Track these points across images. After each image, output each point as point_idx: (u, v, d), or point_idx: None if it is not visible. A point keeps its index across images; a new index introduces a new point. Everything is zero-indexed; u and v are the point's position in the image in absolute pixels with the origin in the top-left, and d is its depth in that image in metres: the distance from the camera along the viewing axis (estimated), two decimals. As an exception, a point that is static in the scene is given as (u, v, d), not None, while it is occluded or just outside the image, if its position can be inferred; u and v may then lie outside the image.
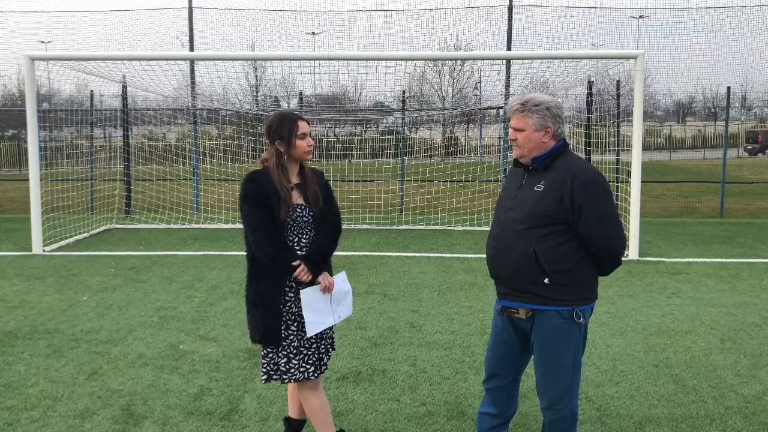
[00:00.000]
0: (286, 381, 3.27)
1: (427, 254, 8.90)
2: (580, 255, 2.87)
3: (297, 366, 3.24)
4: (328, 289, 3.23)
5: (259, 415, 3.96)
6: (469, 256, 8.75)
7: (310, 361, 3.26)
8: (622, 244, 2.89)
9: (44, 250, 9.17)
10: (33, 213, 9.27)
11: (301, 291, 3.18)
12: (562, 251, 2.84)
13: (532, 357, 3.11)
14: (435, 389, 4.36)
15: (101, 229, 11.21)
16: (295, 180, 3.28)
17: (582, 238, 2.84)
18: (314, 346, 3.28)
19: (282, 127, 3.22)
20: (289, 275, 3.17)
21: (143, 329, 5.62)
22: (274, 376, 3.28)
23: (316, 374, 3.27)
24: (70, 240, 10.03)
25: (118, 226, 11.62)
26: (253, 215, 3.14)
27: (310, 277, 3.16)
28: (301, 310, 3.19)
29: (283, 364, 3.25)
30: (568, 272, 2.86)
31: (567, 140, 3.03)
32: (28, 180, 9.45)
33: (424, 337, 5.41)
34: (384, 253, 9.03)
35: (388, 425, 3.85)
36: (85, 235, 10.56)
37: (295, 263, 3.13)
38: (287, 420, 3.62)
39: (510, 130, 2.97)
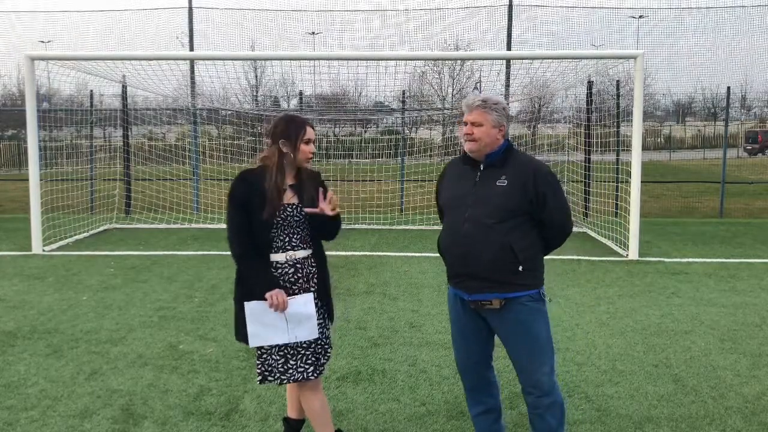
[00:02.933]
0: (285, 381, 3.26)
1: (427, 254, 8.89)
2: (539, 239, 3.11)
3: (295, 366, 3.23)
4: (277, 308, 3.13)
5: (259, 415, 3.96)
6: (469, 256, 8.74)
7: (309, 362, 3.25)
8: (572, 226, 3.23)
9: (44, 250, 9.17)
10: (33, 213, 9.27)
11: (245, 303, 3.17)
12: (531, 239, 3.06)
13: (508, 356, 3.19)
14: (435, 389, 4.36)
15: (101, 228, 11.21)
16: (290, 182, 3.25)
17: (544, 223, 3.07)
18: (312, 346, 3.27)
19: (289, 128, 3.20)
20: (254, 279, 3.15)
21: (143, 329, 5.62)
22: (269, 377, 3.26)
23: (315, 374, 3.26)
24: (70, 240, 10.03)
25: (118, 226, 11.62)
26: (230, 214, 3.18)
27: (283, 305, 3.12)
28: (294, 311, 3.18)
29: (280, 365, 3.23)
30: (534, 258, 3.08)
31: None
32: (28, 180, 9.45)
33: (424, 337, 5.41)
34: (384, 253, 9.03)
35: (388, 425, 3.85)
36: (85, 234, 10.56)
37: (267, 295, 3.11)
38: (286, 420, 3.62)
39: (466, 125, 3.07)
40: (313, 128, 3.27)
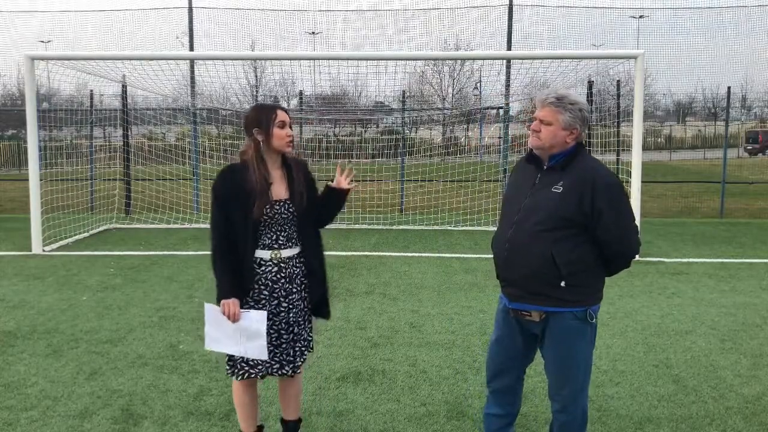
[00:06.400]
0: (255, 375, 3.23)
1: (427, 254, 8.89)
2: (594, 256, 2.84)
3: (280, 361, 3.22)
4: (228, 316, 3.10)
5: (259, 415, 3.95)
6: (469, 256, 8.74)
7: (288, 358, 3.24)
8: (637, 248, 2.88)
9: (44, 250, 9.17)
10: (33, 213, 9.27)
11: (206, 303, 3.20)
12: (579, 253, 2.80)
13: (535, 358, 3.10)
14: (435, 389, 4.35)
15: (101, 228, 11.21)
16: (277, 173, 3.20)
17: (599, 241, 2.81)
18: (292, 342, 3.25)
19: (260, 115, 3.15)
20: (218, 281, 3.14)
21: (143, 329, 5.61)
22: (251, 372, 3.23)
23: (294, 371, 3.26)
24: (70, 240, 10.02)
25: (118, 225, 11.62)
26: (211, 211, 3.15)
27: (234, 316, 3.09)
28: (275, 309, 3.18)
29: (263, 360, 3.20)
30: (583, 274, 2.83)
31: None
32: (27, 180, 9.45)
33: (424, 337, 5.40)
34: (384, 253, 9.02)
35: (388, 425, 3.84)
36: (85, 234, 10.56)
37: (222, 302, 3.09)
38: (283, 422, 3.56)
39: (535, 121, 2.87)
40: (285, 111, 3.20)
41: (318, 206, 3.34)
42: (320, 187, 3.43)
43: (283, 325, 3.23)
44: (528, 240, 2.82)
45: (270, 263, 3.18)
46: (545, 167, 2.89)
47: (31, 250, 9.14)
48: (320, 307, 3.39)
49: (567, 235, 2.78)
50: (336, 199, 3.37)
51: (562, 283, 2.78)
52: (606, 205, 2.75)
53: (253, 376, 3.23)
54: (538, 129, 2.85)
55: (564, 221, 2.77)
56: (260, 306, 3.17)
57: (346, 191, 3.35)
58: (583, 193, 2.75)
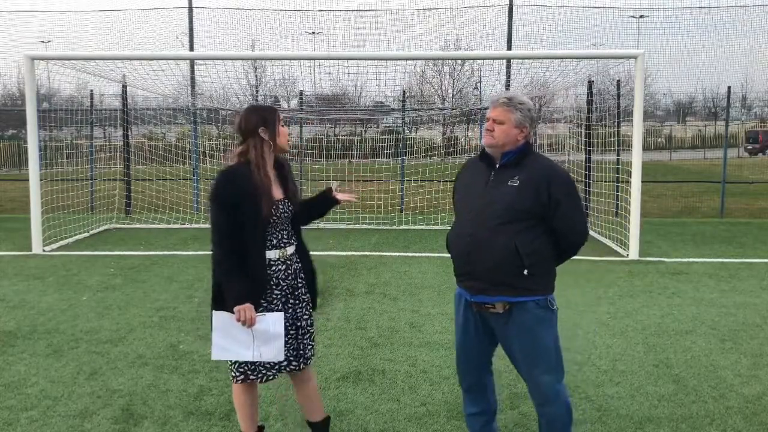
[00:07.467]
0: (270, 378, 3.23)
1: (427, 254, 8.88)
2: (550, 247, 3.00)
3: (287, 362, 3.22)
4: (244, 323, 3.06)
5: (259, 415, 3.95)
6: (469, 256, 8.73)
7: (292, 356, 3.25)
8: (586, 239, 3.10)
9: (44, 250, 9.17)
10: (33, 213, 9.27)
11: (214, 311, 3.15)
12: (538, 243, 2.95)
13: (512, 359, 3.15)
14: (435, 389, 4.35)
15: (101, 228, 11.21)
16: (272, 173, 3.20)
17: (557, 232, 2.98)
18: (299, 335, 3.26)
19: (265, 114, 3.15)
20: (228, 288, 3.10)
21: (143, 329, 5.61)
22: (252, 376, 3.21)
23: (299, 367, 3.26)
24: (70, 240, 10.02)
25: (118, 225, 11.62)
26: (215, 216, 3.07)
27: (251, 321, 3.05)
28: (262, 329, 3.11)
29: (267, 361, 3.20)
30: (542, 263, 2.97)
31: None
32: (28, 180, 9.45)
33: (424, 337, 5.40)
34: (384, 253, 9.02)
35: (388, 425, 3.84)
36: (85, 234, 10.56)
37: (236, 308, 3.04)
38: (311, 425, 3.49)
39: (488, 121, 3.03)
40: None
41: (307, 206, 3.41)
42: (315, 186, 3.46)
43: (291, 321, 3.24)
44: (489, 234, 2.93)
45: (278, 262, 3.20)
46: (498, 165, 3.03)
47: (31, 250, 9.14)
48: (313, 298, 3.43)
49: (526, 227, 2.93)
50: (327, 205, 3.45)
51: (525, 272, 2.91)
52: (564, 198, 2.94)
53: (271, 378, 3.24)
54: (491, 128, 3.01)
55: (522, 213, 2.91)
56: (273, 307, 3.17)
57: (337, 202, 3.46)
58: (540, 186, 2.91)
